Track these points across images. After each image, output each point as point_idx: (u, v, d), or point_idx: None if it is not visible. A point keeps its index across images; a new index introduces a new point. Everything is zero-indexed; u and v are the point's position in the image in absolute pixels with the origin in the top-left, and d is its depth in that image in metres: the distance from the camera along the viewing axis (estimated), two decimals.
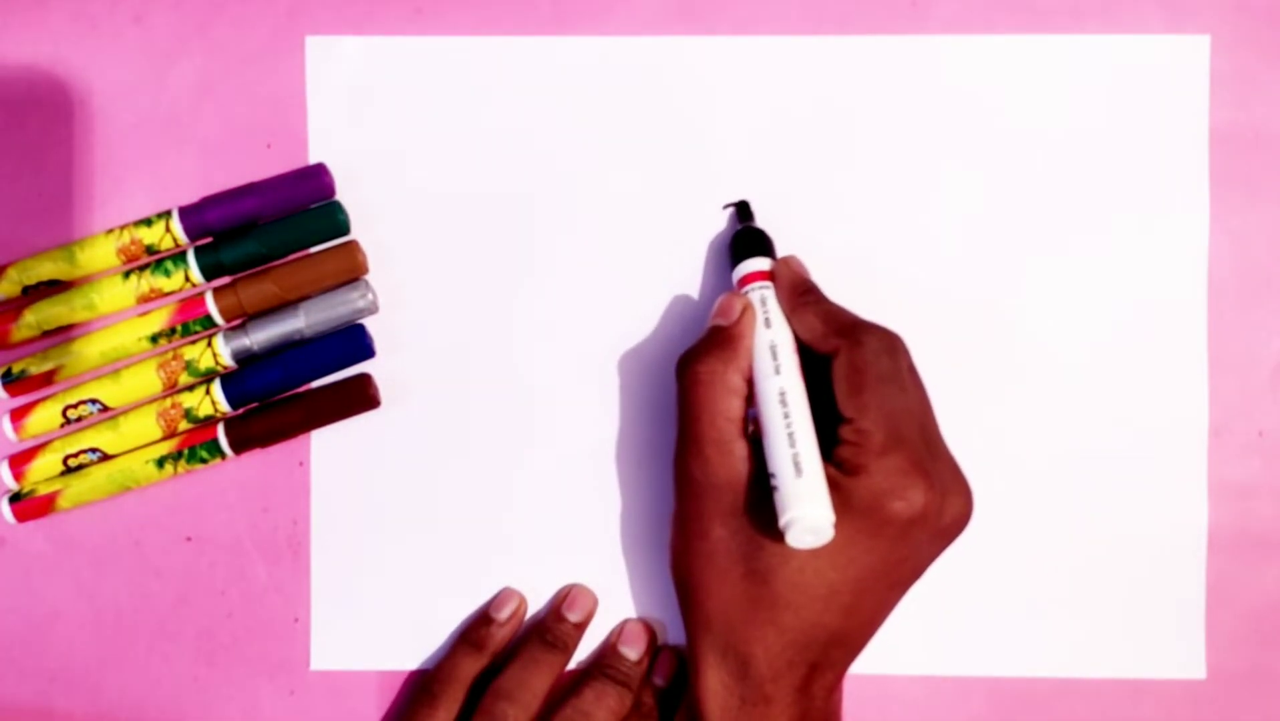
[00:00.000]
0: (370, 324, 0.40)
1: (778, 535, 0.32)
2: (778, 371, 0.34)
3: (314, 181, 0.39)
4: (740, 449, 0.34)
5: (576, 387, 0.40)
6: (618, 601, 0.41)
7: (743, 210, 0.40)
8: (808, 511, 0.31)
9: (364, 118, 0.40)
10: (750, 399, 0.35)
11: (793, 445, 0.33)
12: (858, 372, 0.34)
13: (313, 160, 0.40)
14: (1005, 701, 0.40)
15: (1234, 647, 0.40)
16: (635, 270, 0.40)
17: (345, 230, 0.39)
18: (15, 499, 0.40)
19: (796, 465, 0.32)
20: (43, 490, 0.40)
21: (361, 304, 0.39)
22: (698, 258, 0.40)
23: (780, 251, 0.39)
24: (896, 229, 0.40)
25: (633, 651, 0.40)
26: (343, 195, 0.40)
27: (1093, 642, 0.40)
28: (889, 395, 0.33)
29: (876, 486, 0.32)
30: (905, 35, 0.40)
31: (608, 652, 0.40)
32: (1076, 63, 0.40)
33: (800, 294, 0.36)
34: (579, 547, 0.41)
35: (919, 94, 0.40)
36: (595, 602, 0.40)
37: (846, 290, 0.40)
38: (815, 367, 0.35)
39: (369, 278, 0.40)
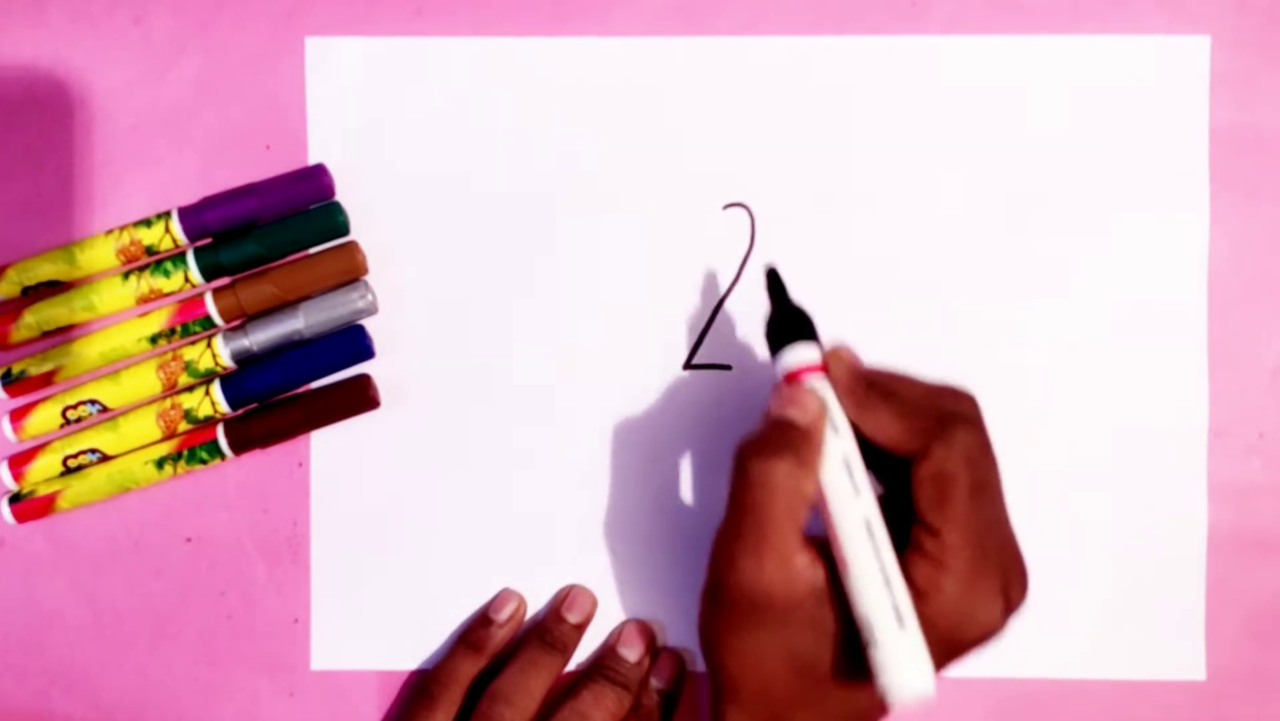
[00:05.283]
0: (370, 324, 0.40)
1: (840, 651, 0.30)
2: (857, 493, 0.30)
3: (313, 182, 0.39)
4: (802, 560, 0.30)
5: (576, 388, 0.40)
6: (617, 603, 0.41)
7: (773, 281, 0.33)
8: (916, 678, 0.28)
9: (364, 118, 0.40)
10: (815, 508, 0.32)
11: (889, 589, 0.29)
12: (949, 482, 0.30)
13: (312, 161, 0.40)
14: (1005, 702, 0.40)
15: (1234, 649, 0.40)
16: (635, 270, 0.40)
17: (345, 231, 0.39)
18: (15, 499, 0.40)
19: (898, 616, 0.29)
20: (42, 491, 0.40)
21: (361, 305, 0.39)
22: (697, 258, 0.40)
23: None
24: (896, 229, 0.40)
25: (632, 653, 0.40)
26: (342, 196, 0.40)
27: (1093, 643, 0.40)
28: (980, 508, 0.30)
29: (954, 612, 0.30)
30: (905, 35, 0.40)
31: (607, 654, 0.40)
32: (1076, 63, 0.40)
33: (865, 390, 0.32)
34: (579, 548, 0.41)
35: (919, 94, 0.40)
36: (595, 604, 0.40)
37: (846, 290, 0.40)
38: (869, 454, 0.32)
39: (369, 278, 0.40)
